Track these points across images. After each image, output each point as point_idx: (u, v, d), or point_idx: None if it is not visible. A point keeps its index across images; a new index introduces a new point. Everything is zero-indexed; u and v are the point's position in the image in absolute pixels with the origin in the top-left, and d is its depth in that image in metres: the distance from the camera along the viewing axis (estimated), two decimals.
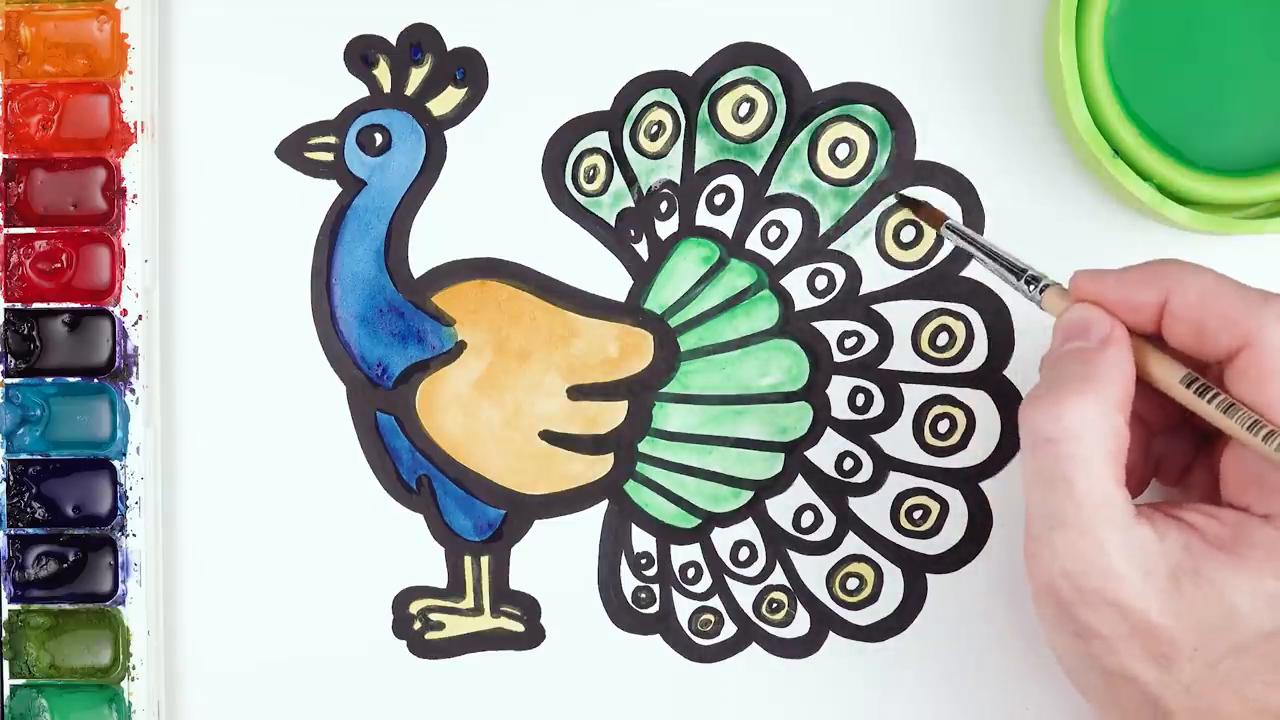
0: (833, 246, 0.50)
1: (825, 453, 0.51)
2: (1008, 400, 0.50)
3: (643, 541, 0.51)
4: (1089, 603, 0.40)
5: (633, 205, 0.51)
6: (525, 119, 0.51)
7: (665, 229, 0.51)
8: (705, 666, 0.51)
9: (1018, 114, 0.50)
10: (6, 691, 0.50)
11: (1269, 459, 0.40)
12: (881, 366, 0.50)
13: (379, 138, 0.51)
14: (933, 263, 0.50)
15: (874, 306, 0.50)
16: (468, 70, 0.51)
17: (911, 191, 0.50)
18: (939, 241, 0.50)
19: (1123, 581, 0.40)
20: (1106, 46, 0.47)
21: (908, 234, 0.50)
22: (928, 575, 0.51)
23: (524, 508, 0.51)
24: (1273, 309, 0.40)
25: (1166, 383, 0.42)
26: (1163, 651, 0.40)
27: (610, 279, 0.51)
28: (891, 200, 0.50)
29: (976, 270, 0.50)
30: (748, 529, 0.51)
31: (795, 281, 0.51)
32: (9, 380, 0.50)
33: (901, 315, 0.50)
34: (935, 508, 0.50)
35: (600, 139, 0.51)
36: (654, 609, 0.51)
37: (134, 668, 0.50)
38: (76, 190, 0.50)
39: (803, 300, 0.51)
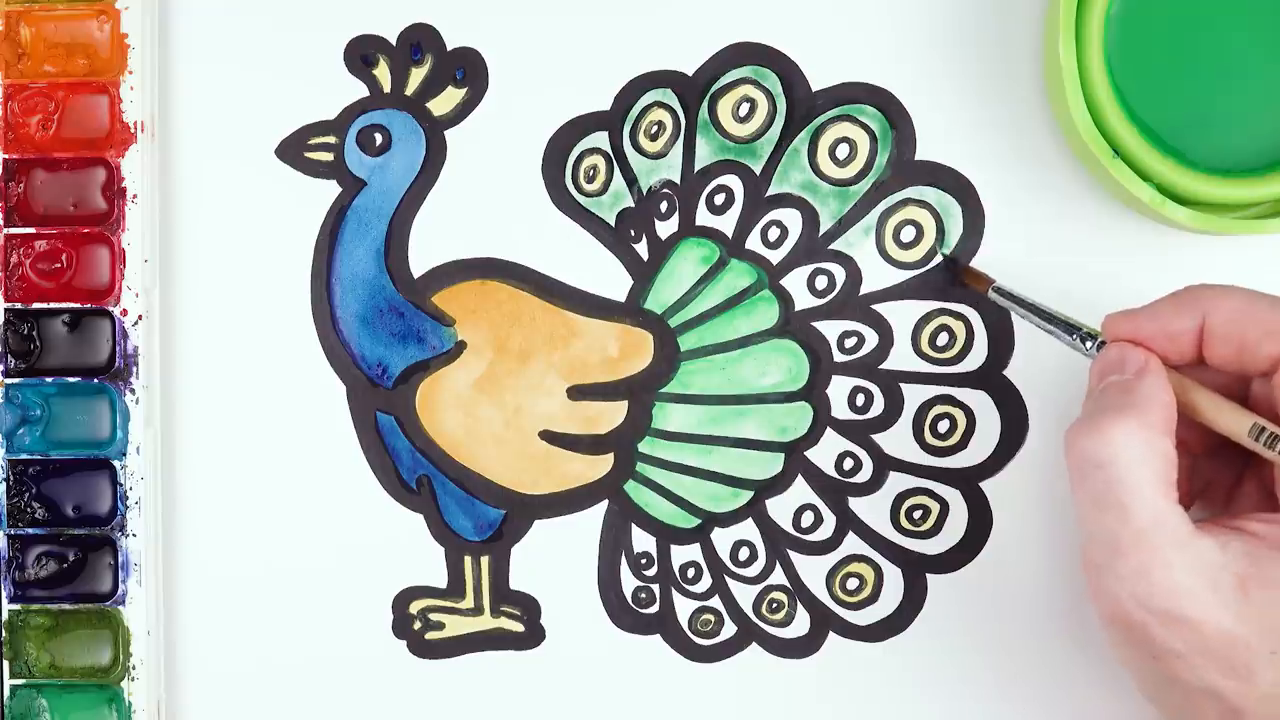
0: (833, 246, 0.50)
1: (825, 453, 0.51)
2: (1008, 400, 0.50)
3: (643, 541, 0.51)
4: (1162, 622, 0.40)
5: (633, 205, 0.51)
6: (525, 119, 0.51)
7: (665, 229, 0.51)
8: (705, 666, 0.51)
9: (1018, 114, 0.50)
10: (6, 691, 0.50)
11: None
12: (881, 366, 0.50)
13: (379, 138, 0.51)
14: (933, 262, 0.50)
15: (874, 306, 0.50)
16: (468, 70, 0.51)
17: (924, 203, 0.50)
18: (939, 241, 0.50)
19: (1192, 597, 0.40)
20: (1106, 46, 0.47)
21: (908, 234, 0.50)
22: (928, 575, 0.51)
23: (524, 508, 0.51)
24: None
25: (1235, 434, 0.42)
26: (1240, 660, 0.40)
27: (610, 279, 0.51)
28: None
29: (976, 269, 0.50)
30: (748, 529, 0.51)
31: (795, 281, 0.51)
32: (9, 380, 0.50)
33: (901, 315, 0.50)
34: (935, 508, 0.50)
35: (600, 139, 0.51)
36: (654, 609, 0.51)
37: (134, 668, 0.50)
38: (76, 190, 0.50)
39: (803, 300, 0.51)
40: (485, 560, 0.51)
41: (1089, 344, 0.45)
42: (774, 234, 0.50)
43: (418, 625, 0.51)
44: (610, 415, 0.51)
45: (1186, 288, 0.44)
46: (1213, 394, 0.43)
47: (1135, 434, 0.41)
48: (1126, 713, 0.49)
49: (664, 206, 0.51)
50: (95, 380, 0.50)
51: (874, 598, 0.51)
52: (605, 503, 0.51)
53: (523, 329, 0.51)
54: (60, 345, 0.50)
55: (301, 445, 0.51)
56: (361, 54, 0.51)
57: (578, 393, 0.51)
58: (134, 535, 0.50)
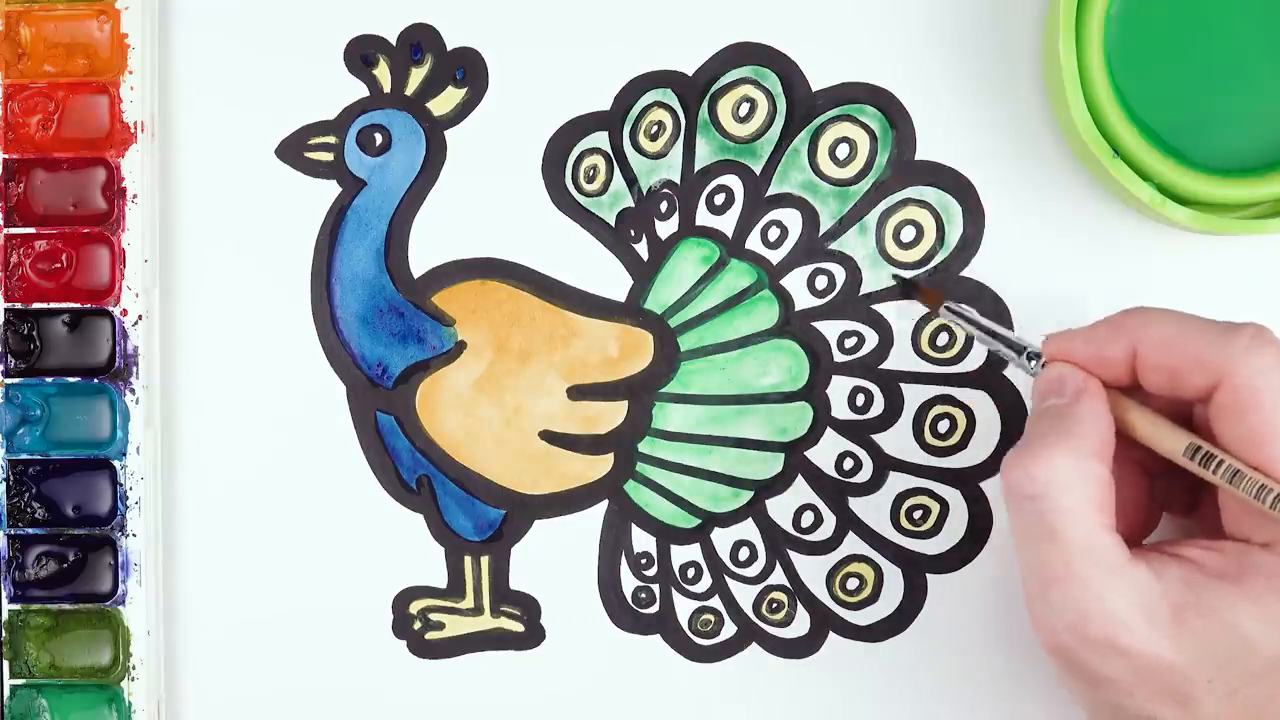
0: (833, 246, 0.50)
1: (825, 453, 0.51)
2: (1008, 400, 0.50)
3: (643, 541, 0.51)
4: (1098, 651, 0.40)
5: (633, 205, 0.51)
6: (525, 119, 0.51)
7: (665, 229, 0.51)
8: (705, 666, 0.51)
9: (1018, 114, 0.50)
10: (6, 691, 0.50)
11: (1277, 520, 0.40)
12: (881, 366, 0.50)
13: (379, 138, 0.51)
14: (933, 263, 0.50)
15: (874, 306, 0.50)
16: (468, 70, 0.51)
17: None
18: (939, 241, 0.50)
19: (1126, 625, 0.40)
20: (1106, 46, 0.47)
21: (908, 234, 0.50)
22: (928, 575, 0.51)
23: (524, 508, 0.51)
24: (1238, 342, 0.41)
25: (1170, 454, 0.42)
26: (1179, 689, 0.40)
27: (610, 279, 0.51)
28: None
29: (977, 270, 0.50)
30: (748, 529, 0.51)
31: (795, 281, 0.51)
32: (9, 380, 0.50)
33: (901, 315, 0.50)
34: (935, 508, 0.50)
35: (600, 139, 0.51)
36: (654, 609, 0.51)
37: (134, 668, 0.50)
38: (76, 190, 0.50)
39: (803, 300, 0.51)
40: (485, 560, 0.51)
41: (1033, 363, 0.44)
42: (774, 234, 0.50)
43: (418, 625, 0.51)
44: (610, 415, 0.51)
45: (1122, 312, 0.43)
46: (1151, 413, 0.43)
47: (1065, 462, 0.40)
48: None
49: (664, 206, 0.51)
50: (95, 380, 0.50)
51: (874, 598, 0.51)
52: (605, 503, 0.51)
53: (523, 329, 0.51)
54: (60, 345, 0.50)
55: (302, 445, 0.51)
56: (361, 54, 0.51)
57: (578, 393, 0.51)
58: (134, 535, 0.50)
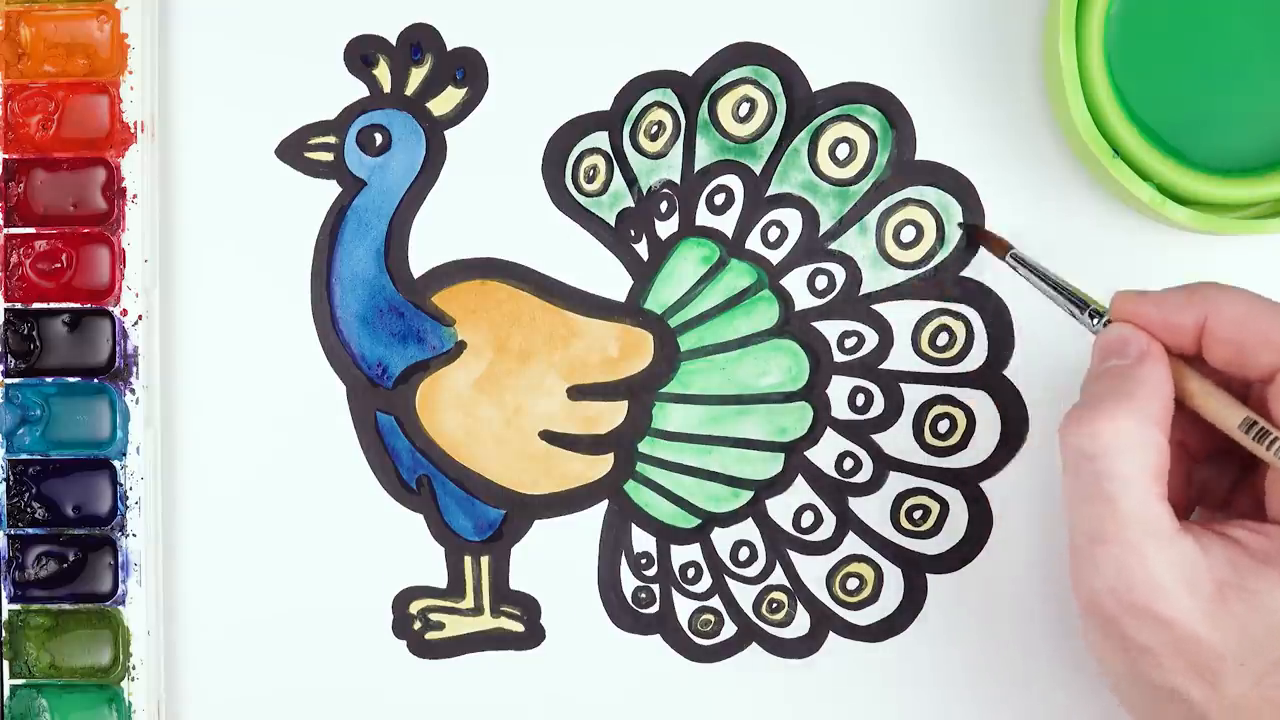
0: (833, 246, 0.50)
1: (825, 453, 0.51)
2: (1008, 400, 0.50)
3: (643, 541, 0.51)
4: (1135, 617, 0.40)
5: (633, 205, 0.51)
6: (525, 119, 0.51)
7: (665, 229, 0.51)
8: (705, 666, 0.51)
9: (1017, 114, 0.50)
10: (6, 691, 0.50)
11: None
12: (881, 366, 0.50)
13: (379, 138, 0.51)
14: (933, 262, 0.50)
15: (874, 306, 0.50)
16: (468, 70, 0.51)
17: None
18: (939, 241, 0.50)
19: (1168, 595, 0.40)
20: (1106, 46, 0.47)
21: (908, 234, 0.50)
22: (928, 575, 0.51)
23: (524, 508, 0.51)
24: None
25: (1226, 425, 0.42)
26: (1209, 666, 0.40)
27: (610, 279, 0.51)
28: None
29: (976, 270, 0.50)
30: (748, 529, 0.51)
31: (795, 281, 0.51)
32: (9, 380, 0.50)
33: (901, 315, 0.50)
34: (935, 508, 0.50)
35: (600, 139, 0.51)
36: (654, 609, 0.51)
37: (134, 668, 0.50)
38: (76, 190, 0.50)
39: (803, 300, 0.51)
40: (485, 560, 0.51)
41: (1095, 320, 0.44)
42: (774, 234, 0.50)
43: (418, 625, 0.51)
44: (610, 415, 0.51)
45: (1198, 283, 0.43)
46: (1208, 383, 0.43)
47: (1128, 426, 0.40)
48: (1125, 712, 0.49)
49: (664, 206, 0.51)
50: (95, 380, 0.50)
51: (874, 598, 0.51)
52: (605, 503, 0.51)
53: (523, 329, 0.51)
54: (60, 345, 0.50)
55: (302, 445, 0.51)
56: (361, 54, 0.51)
57: (578, 393, 0.51)
58: (134, 535, 0.50)
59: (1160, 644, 0.40)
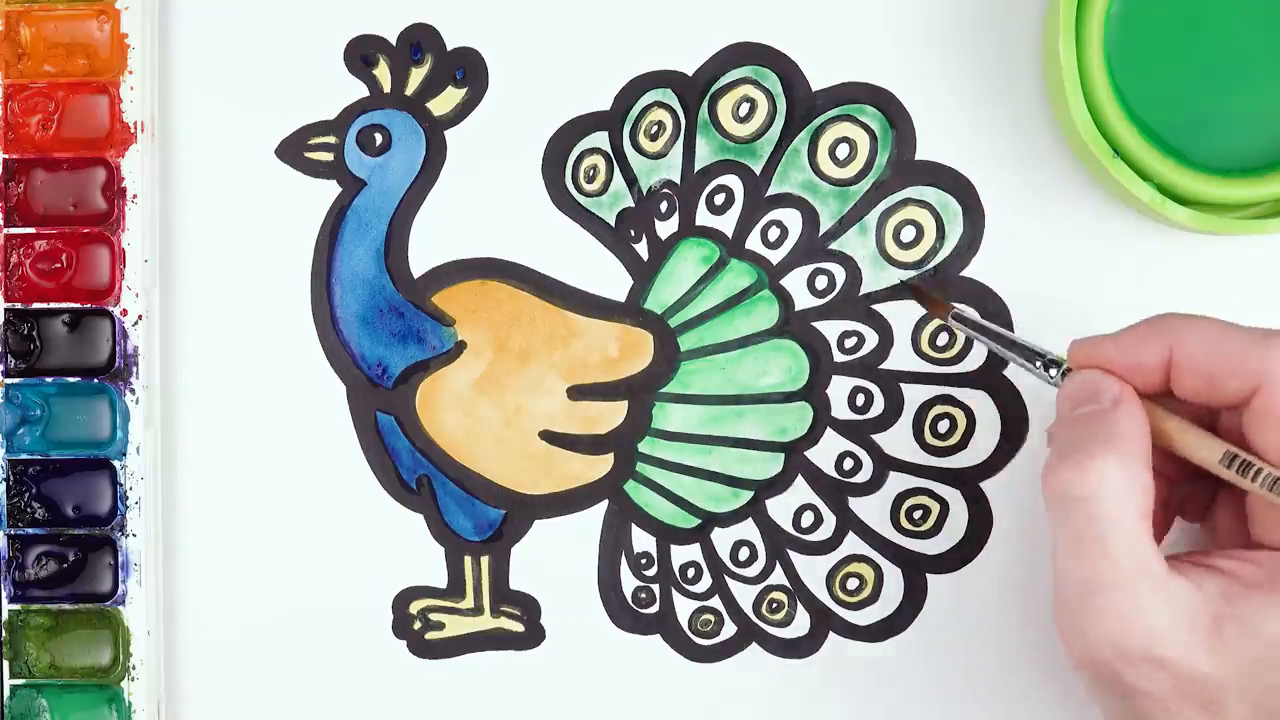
0: (833, 246, 0.50)
1: (825, 453, 0.51)
2: (1008, 400, 0.50)
3: (643, 541, 0.51)
4: (1135, 664, 0.40)
5: (633, 205, 0.51)
6: (525, 119, 0.51)
7: (665, 229, 0.51)
8: (705, 666, 0.51)
9: (1018, 114, 0.50)
10: (6, 691, 0.50)
11: None
12: (881, 366, 0.50)
13: (379, 138, 0.51)
14: (933, 262, 0.50)
15: (874, 306, 0.50)
16: (468, 70, 0.51)
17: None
18: (939, 241, 0.50)
19: (1166, 637, 0.39)
20: (1106, 46, 0.47)
21: (908, 234, 0.50)
22: (928, 575, 0.51)
23: (524, 508, 0.51)
24: (1279, 347, 0.40)
25: (1206, 462, 0.42)
26: (1212, 700, 0.39)
27: (610, 279, 0.51)
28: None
29: (976, 270, 0.50)
30: (748, 529, 0.51)
31: (795, 281, 0.51)
32: (9, 380, 0.50)
33: (901, 315, 0.50)
34: (935, 508, 0.50)
35: (600, 139, 0.51)
36: (654, 609, 0.51)
37: (134, 668, 0.50)
38: (76, 190, 0.50)
39: (803, 300, 0.51)
40: (485, 560, 0.51)
41: (1053, 371, 0.44)
42: (774, 234, 0.50)
43: (418, 625, 0.51)
44: (610, 415, 0.51)
45: (1156, 316, 0.43)
46: (1183, 421, 0.42)
47: (1116, 469, 0.40)
48: None
49: (664, 206, 0.51)
50: (95, 380, 0.50)
51: (874, 598, 0.51)
52: (605, 503, 0.51)
53: (523, 329, 0.51)
54: (60, 345, 0.50)
55: (302, 445, 0.51)
56: (361, 54, 0.51)
57: (578, 393, 0.51)
58: (134, 535, 0.50)
59: (1163, 687, 0.40)
